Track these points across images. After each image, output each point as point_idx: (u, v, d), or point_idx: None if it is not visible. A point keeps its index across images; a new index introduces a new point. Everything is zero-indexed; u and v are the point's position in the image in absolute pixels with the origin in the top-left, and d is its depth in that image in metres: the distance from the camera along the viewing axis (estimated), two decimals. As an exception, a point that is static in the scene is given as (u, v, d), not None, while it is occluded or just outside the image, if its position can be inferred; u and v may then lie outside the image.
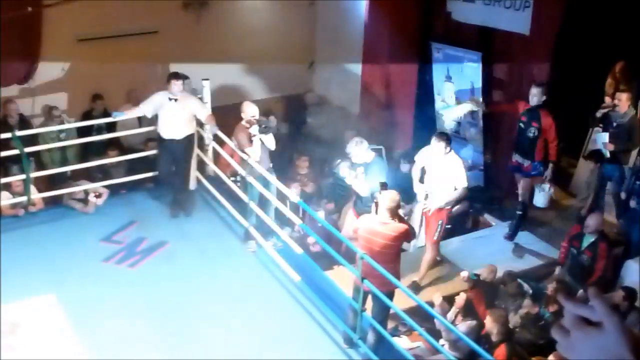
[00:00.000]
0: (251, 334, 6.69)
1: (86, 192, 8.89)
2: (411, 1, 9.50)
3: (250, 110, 7.88)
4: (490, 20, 8.64)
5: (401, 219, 6.34)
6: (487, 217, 8.88)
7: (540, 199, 8.43)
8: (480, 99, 8.82)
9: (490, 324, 6.24)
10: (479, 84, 8.83)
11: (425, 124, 9.19)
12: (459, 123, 9.32)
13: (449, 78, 9.19)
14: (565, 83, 8.31)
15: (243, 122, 7.95)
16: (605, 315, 1.20)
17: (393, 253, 6.20)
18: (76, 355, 6.31)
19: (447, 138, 7.25)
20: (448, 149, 7.15)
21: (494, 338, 6.19)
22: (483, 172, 9.24)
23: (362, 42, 10.10)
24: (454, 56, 9.09)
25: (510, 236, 8.14)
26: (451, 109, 8.11)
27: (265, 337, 6.66)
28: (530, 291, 6.98)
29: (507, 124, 8.81)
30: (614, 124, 7.82)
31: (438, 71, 9.36)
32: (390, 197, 6.12)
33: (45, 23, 9.49)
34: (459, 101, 9.14)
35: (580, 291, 6.87)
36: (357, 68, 10.35)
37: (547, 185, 8.24)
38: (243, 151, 7.96)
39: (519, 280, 7.08)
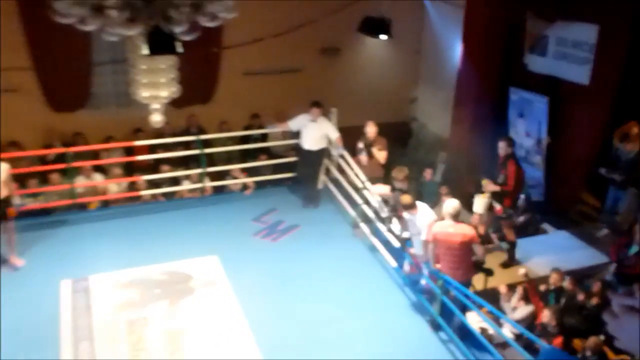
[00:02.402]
0: (349, 300, 7.00)
1: (245, 185, 9.65)
2: (495, 54, 9.55)
3: (369, 129, 8.39)
4: (557, 71, 8.79)
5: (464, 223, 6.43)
6: (545, 225, 8.95)
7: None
8: (546, 134, 9.00)
9: (548, 318, 6.38)
10: (544, 121, 8.96)
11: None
12: (527, 151, 9.40)
13: (521, 115, 9.34)
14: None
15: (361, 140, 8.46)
16: None
17: (466, 249, 6.28)
18: (228, 297, 7.03)
19: None
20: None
21: (551, 330, 6.32)
22: (544, 190, 9.34)
23: (454, 83, 10.24)
24: (526, 98, 9.18)
25: None
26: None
27: (361, 306, 6.94)
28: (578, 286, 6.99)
29: (563, 155, 8.95)
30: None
31: (513, 109, 9.46)
32: (451, 206, 6.29)
33: (222, 60, 10.31)
34: (528, 133, 9.30)
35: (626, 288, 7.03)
36: (449, 103, 10.45)
37: None
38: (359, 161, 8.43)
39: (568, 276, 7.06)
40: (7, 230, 7.48)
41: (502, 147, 7.67)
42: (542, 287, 7.20)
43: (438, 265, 6.45)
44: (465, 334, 6.34)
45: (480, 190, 7.79)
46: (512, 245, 8.06)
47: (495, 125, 9.65)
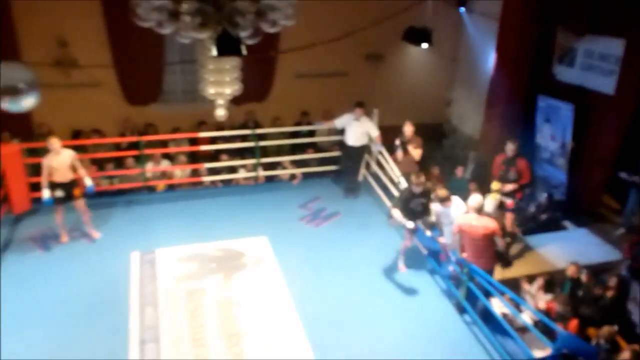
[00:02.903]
0: (381, 283, 7.05)
1: (293, 175, 9.71)
2: (526, 63, 9.27)
3: (406, 129, 8.35)
4: (584, 81, 8.59)
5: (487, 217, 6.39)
6: (566, 222, 8.75)
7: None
8: (570, 138, 8.71)
9: (559, 307, 6.37)
10: (570, 126, 8.70)
11: (527, 152, 8.86)
12: (552, 153, 9.17)
13: (547, 121, 9.09)
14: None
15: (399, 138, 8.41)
16: None
17: (488, 240, 6.23)
18: (275, 274, 7.12)
19: None
20: None
21: (565, 315, 6.31)
22: (566, 190, 9.03)
23: (487, 89, 10.02)
24: (553, 105, 8.92)
25: None
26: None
27: (392, 288, 6.95)
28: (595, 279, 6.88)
29: (586, 158, 8.72)
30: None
31: (540, 114, 9.20)
32: (475, 200, 6.31)
33: (278, 63, 10.34)
34: (553, 137, 9.07)
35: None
36: (481, 107, 10.27)
37: None
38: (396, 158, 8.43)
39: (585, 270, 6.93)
40: (80, 208, 7.67)
41: (511, 149, 7.63)
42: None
43: (464, 254, 6.41)
44: (487, 318, 6.30)
45: (488, 191, 7.75)
46: (513, 237, 7.98)
47: (523, 128, 9.43)
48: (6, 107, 5.99)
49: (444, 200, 6.86)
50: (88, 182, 7.50)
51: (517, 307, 6.39)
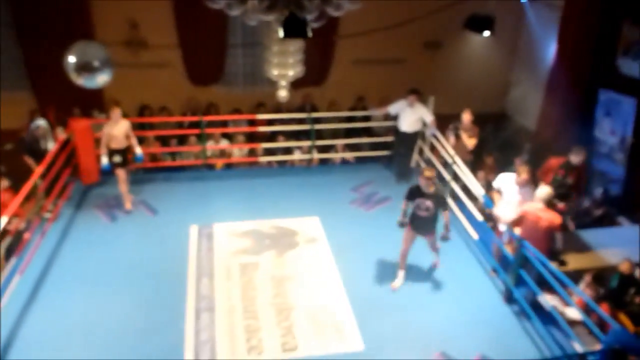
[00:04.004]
0: (429, 267, 6.96)
1: (344, 159, 9.76)
2: (588, 55, 9.05)
3: (464, 117, 8.19)
4: None
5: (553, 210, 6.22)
6: (621, 218, 8.41)
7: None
8: (631, 133, 8.42)
9: (589, 292, 6.17)
10: (631, 121, 8.42)
11: (583, 145, 8.52)
12: (611, 148, 8.90)
13: (608, 114, 8.85)
14: None
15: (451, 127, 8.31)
16: None
17: (549, 234, 6.11)
18: (326, 253, 7.16)
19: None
20: None
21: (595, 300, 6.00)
22: (623, 186, 8.75)
23: (545, 80, 9.83)
24: (614, 99, 8.68)
25: None
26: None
27: (440, 272, 6.88)
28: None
29: None
30: None
31: (600, 108, 8.95)
32: (544, 191, 6.19)
33: (336, 48, 10.36)
34: (613, 132, 8.79)
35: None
36: (539, 98, 10.09)
37: None
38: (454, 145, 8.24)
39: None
40: (126, 173, 7.89)
41: (578, 158, 7.13)
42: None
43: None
44: (536, 307, 6.12)
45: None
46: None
47: (582, 122, 9.19)
48: (82, 83, 6.24)
49: (523, 183, 6.59)
50: (138, 151, 7.77)
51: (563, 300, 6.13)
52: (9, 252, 6.74)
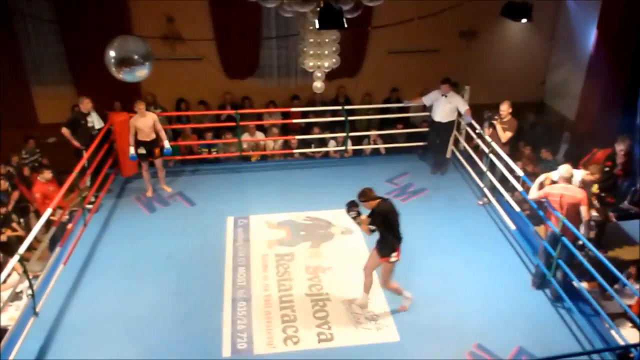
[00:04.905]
0: (465, 256, 6.90)
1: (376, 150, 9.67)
2: (630, 41, 8.78)
3: (502, 108, 7.90)
4: None
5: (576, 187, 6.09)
6: None
7: None
8: None
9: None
10: None
11: (628, 133, 8.39)
12: None
13: None
14: None
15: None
16: None
17: (574, 210, 5.92)
18: (360, 245, 7.02)
19: None
20: None
21: None
22: None
23: (585, 68, 9.64)
24: None
25: None
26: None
27: (475, 261, 6.80)
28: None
29: None
30: None
31: None
32: (566, 169, 6.09)
33: (369, 40, 10.28)
34: None
35: None
36: (577, 88, 9.91)
37: None
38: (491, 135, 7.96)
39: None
40: (157, 166, 8.23)
41: (628, 145, 6.89)
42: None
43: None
44: (572, 294, 5.98)
45: None
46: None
47: (623, 110, 8.75)
48: (122, 77, 6.35)
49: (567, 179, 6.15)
50: (167, 144, 8.00)
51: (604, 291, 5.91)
52: (53, 243, 6.93)
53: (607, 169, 6.91)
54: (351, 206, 5.56)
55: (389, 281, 5.92)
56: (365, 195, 5.54)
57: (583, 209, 5.94)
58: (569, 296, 5.97)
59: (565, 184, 6.09)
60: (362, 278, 6.09)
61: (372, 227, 5.55)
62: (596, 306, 5.58)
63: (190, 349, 5.54)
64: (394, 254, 5.68)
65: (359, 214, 5.58)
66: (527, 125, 10.06)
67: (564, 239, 5.87)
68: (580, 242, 5.88)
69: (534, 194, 6.38)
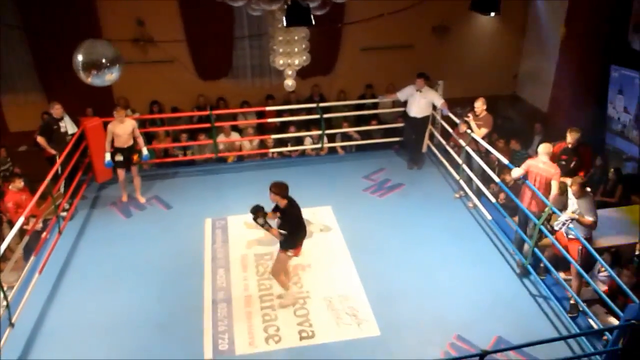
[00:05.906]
0: (443, 249, 6.95)
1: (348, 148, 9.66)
2: (599, 32, 8.82)
3: (477, 105, 7.86)
4: None
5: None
6: (636, 198, 7.99)
7: None
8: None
9: (626, 279, 5.86)
10: None
11: (596, 124, 8.82)
12: (624, 126, 8.74)
13: (620, 92, 8.70)
14: None
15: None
16: None
17: (547, 185, 6.19)
18: (339, 242, 7.15)
19: None
20: None
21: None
22: (638, 164, 8.56)
23: (556, 59, 9.72)
24: (627, 75, 8.52)
25: None
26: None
27: (454, 254, 6.87)
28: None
29: None
30: None
31: (613, 86, 8.79)
32: (543, 146, 6.38)
33: (343, 36, 10.31)
34: (626, 109, 8.62)
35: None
36: (549, 80, 9.99)
37: None
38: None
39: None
40: (133, 173, 8.10)
41: (575, 138, 6.70)
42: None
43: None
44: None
45: None
46: None
47: (594, 100, 9.07)
48: (90, 81, 6.29)
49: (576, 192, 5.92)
50: (145, 151, 7.94)
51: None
52: (28, 252, 6.82)
53: (563, 162, 6.79)
54: (257, 212, 5.52)
55: (279, 272, 5.98)
56: (280, 188, 5.51)
57: (554, 184, 6.21)
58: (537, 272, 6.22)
59: (545, 158, 6.33)
60: (348, 270, 6.26)
61: (284, 232, 5.61)
62: (573, 294, 5.75)
63: (171, 353, 5.51)
64: (293, 250, 5.77)
65: (265, 220, 5.55)
66: (500, 118, 10.09)
67: (532, 216, 6.13)
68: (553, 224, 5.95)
69: (518, 171, 6.58)
